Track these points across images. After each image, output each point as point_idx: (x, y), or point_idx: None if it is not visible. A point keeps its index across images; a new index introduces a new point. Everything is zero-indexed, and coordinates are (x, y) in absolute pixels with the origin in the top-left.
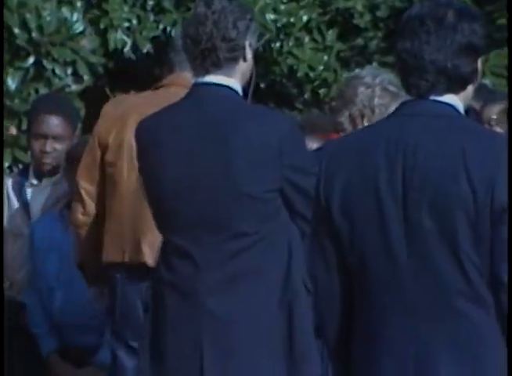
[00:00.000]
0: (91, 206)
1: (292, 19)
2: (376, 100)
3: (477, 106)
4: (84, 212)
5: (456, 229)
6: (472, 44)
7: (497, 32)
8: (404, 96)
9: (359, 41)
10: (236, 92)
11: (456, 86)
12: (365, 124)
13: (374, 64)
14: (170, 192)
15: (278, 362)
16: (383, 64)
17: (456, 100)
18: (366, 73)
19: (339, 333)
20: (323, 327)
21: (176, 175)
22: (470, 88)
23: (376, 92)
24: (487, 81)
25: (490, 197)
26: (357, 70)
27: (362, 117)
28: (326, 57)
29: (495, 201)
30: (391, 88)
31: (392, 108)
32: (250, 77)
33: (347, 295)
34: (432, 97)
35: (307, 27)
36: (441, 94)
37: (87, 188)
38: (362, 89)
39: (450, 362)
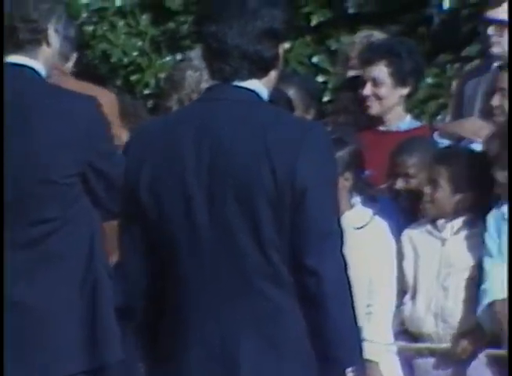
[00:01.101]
0: None
1: (106, 4)
2: (204, 84)
3: (294, 95)
4: None
5: (258, 213)
6: (273, 29)
7: (302, 20)
8: None
9: (171, 25)
10: (39, 74)
11: (259, 71)
12: None
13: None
14: None
15: (77, 347)
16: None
17: (258, 86)
18: (195, 55)
19: (146, 316)
20: (129, 309)
21: None
22: (272, 74)
23: (204, 75)
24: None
25: (290, 182)
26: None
27: (191, 101)
28: (140, 42)
29: (296, 186)
30: None
31: None
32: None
33: (154, 279)
34: (235, 82)
35: (121, 11)
36: (244, 79)
37: None
38: (190, 73)
39: (253, 345)
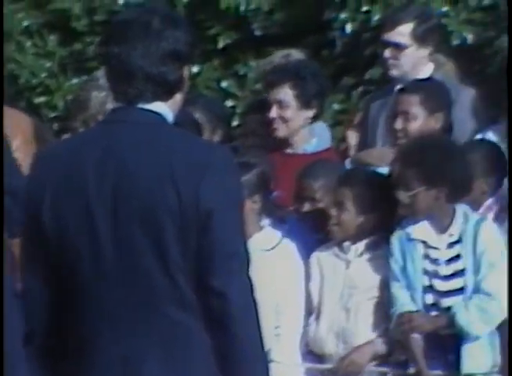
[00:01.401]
0: None
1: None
2: (110, 105)
3: (201, 118)
4: None
5: (164, 236)
6: (176, 51)
7: (209, 42)
8: None
9: (78, 46)
10: None
11: (164, 94)
12: None
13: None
14: None
15: None
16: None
17: (163, 108)
18: (101, 75)
19: (48, 338)
20: (31, 331)
21: None
22: (178, 97)
23: (109, 96)
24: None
25: (195, 205)
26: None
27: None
28: (48, 63)
29: (200, 208)
30: None
31: None
32: None
33: (57, 301)
34: (140, 105)
35: (28, 31)
36: (148, 101)
37: None
38: (95, 93)
39: (158, 368)
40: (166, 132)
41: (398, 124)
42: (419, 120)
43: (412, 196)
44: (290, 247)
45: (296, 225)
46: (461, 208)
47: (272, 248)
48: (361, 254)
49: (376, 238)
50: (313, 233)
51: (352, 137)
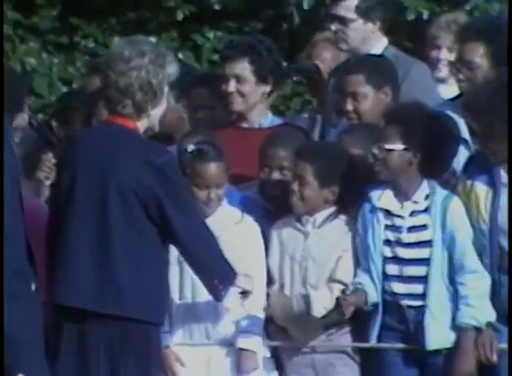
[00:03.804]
0: None
1: None
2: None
3: None
4: None
5: None
6: None
7: (168, 15)
8: None
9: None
10: None
11: None
12: None
13: None
14: None
15: None
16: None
17: None
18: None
19: None
20: None
21: None
22: None
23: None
24: None
25: None
26: None
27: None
28: None
29: None
30: None
31: None
32: None
33: None
34: None
35: None
36: None
37: None
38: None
39: None
40: None
41: (349, 105)
42: (368, 98)
43: (388, 151)
44: (252, 222)
45: (250, 201)
46: (429, 181)
47: (239, 222)
48: (319, 225)
49: (334, 209)
50: (275, 205)
51: None
